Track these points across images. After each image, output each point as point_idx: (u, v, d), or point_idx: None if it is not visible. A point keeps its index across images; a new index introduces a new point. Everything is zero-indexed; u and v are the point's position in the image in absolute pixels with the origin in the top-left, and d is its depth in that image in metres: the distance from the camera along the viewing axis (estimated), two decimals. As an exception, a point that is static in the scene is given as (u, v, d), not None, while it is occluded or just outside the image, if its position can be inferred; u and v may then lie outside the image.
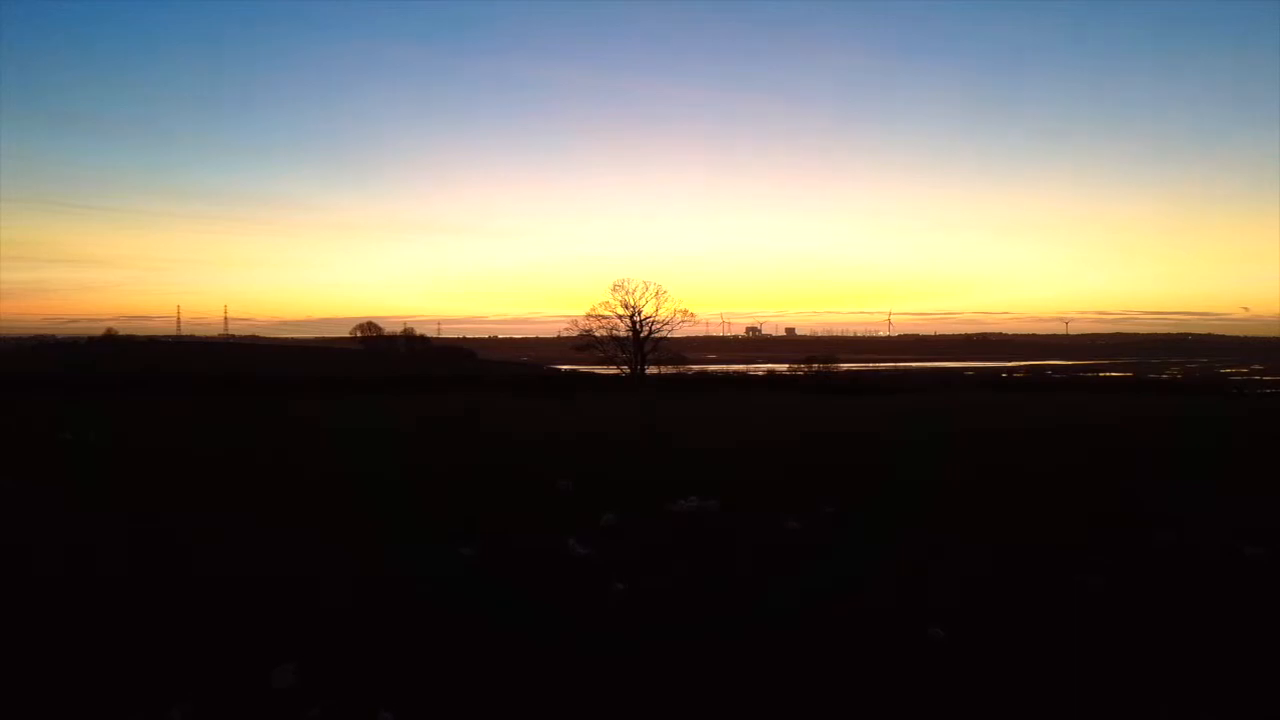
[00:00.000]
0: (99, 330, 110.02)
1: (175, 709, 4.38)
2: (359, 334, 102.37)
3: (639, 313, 53.92)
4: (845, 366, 73.56)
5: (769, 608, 6.11)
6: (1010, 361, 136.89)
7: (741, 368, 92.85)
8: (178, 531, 8.41)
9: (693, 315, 56.58)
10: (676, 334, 56.94)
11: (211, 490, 10.80)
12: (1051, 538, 8.18)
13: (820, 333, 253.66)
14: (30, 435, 17.11)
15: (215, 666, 4.96)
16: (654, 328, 54.35)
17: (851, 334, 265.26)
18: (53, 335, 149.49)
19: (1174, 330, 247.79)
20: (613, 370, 55.18)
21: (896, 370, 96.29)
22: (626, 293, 53.81)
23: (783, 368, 75.75)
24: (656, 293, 53.96)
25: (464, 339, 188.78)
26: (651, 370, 54.45)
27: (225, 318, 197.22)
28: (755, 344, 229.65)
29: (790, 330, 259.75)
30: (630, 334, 54.28)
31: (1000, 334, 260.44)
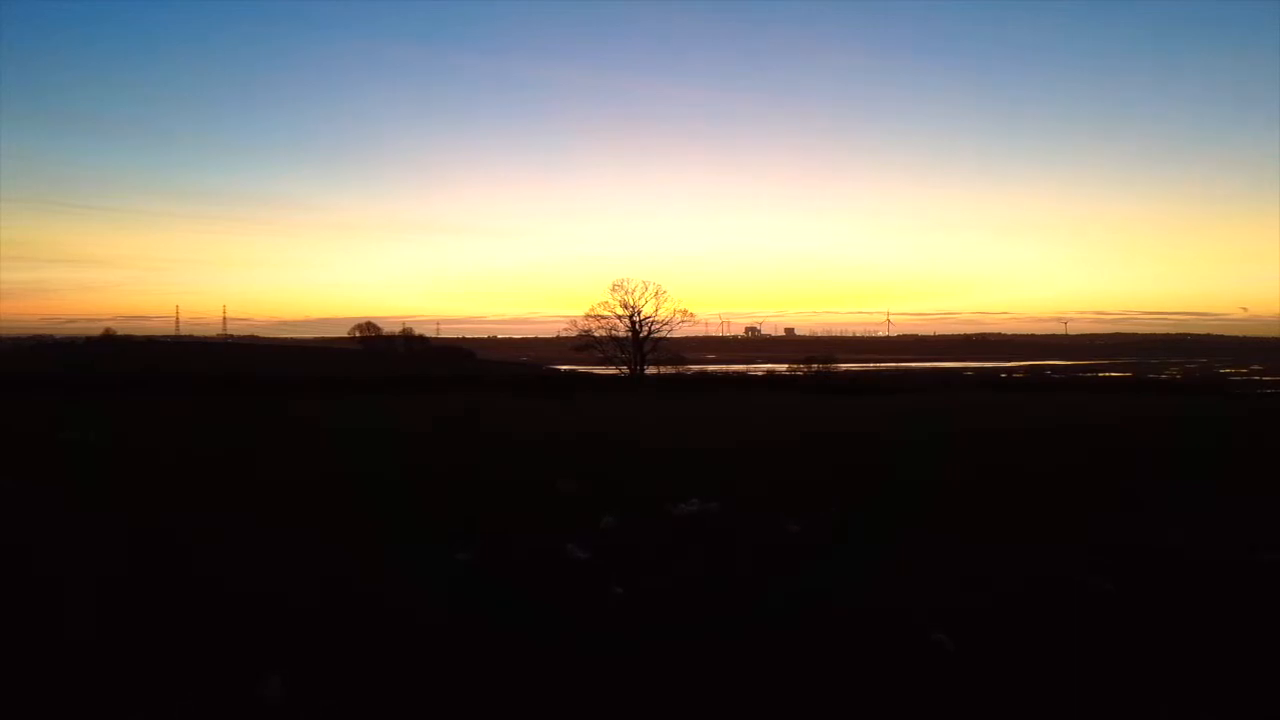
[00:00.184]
0: (97, 330, 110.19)
1: (175, 710, 4.37)
2: (357, 334, 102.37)
3: (638, 313, 54.08)
4: (845, 366, 73.68)
5: (769, 608, 6.11)
6: (1010, 361, 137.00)
7: (741, 368, 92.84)
8: (178, 531, 8.40)
9: (692, 315, 56.79)
10: (676, 334, 57.17)
11: (211, 490, 10.79)
12: (1052, 538, 8.18)
13: (819, 333, 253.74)
14: (30, 435, 17.08)
15: (211, 670, 4.95)
16: (653, 328, 54.51)
17: (851, 334, 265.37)
18: (51, 335, 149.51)
19: (1173, 330, 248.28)
20: (612, 370, 55.19)
21: (896, 370, 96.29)
22: (626, 293, 53.96)
23: (782, 368, 75.78)
24: (656, 293, 54.13)
25: (463, 339, 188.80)
26: (651, 370, 54.51)
27: (224, 318, 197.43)
28: (754, 344, 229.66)
29: (789, 330, 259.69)
30: (629, 334, 54.35)
31: (999, 334, 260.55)
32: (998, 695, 4.69)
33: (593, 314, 54.63)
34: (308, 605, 6.06)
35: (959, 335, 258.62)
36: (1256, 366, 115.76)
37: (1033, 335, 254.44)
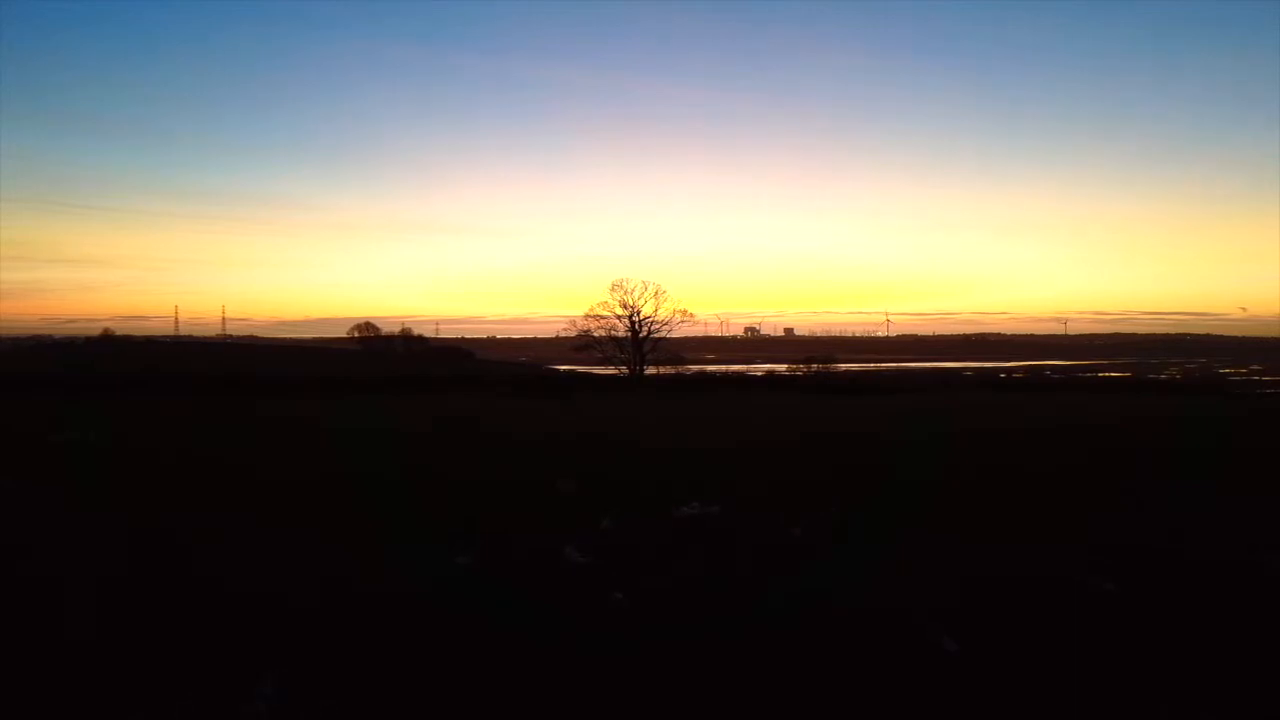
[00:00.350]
0: (96, 330, 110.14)
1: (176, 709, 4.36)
2: (357, 334, 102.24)
3: (638, 313, 53.98)
4: (844, 366, 73.70)
5: (769, 608, 6.10)
6: (1009, 361, 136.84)
7: (740, 368, 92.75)
8: (178, 531, 8.40)
9: (691, 315, 56.69)
10: (675, 334, 57.05)
11: (211, 490, 10.79)
12: (1053, 538, 8.18)
13: (819, 333, 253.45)
14: (29, 435, 17.07)
15: (211, 670, 4.95)
16: (653, 328, 54.40)
17: (850, 334, 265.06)
18: (51, 335, 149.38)
19: (1173, 330, 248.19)
20: (611, 370, 55.14)
21: (896, 370, 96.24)
22: (625, 293, 53.85)
23: (782, 368, 75.79)
24: (655, 293, 54.02)
25: (462, 339, 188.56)
26: (650, 370, 54.46)
27: (223, 318, 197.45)
28: (754, 344, 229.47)
29: (789, 330, 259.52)
30: (629, 334, 54.27)
31: (999, 334, 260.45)
32: (998, 695, 4.69)
33: (592, 314, 54.60)
34: (308, 605, 6.06)
35: (958, 335, 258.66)
36: (1256, 366, 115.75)
37: (1032, 335, 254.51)
